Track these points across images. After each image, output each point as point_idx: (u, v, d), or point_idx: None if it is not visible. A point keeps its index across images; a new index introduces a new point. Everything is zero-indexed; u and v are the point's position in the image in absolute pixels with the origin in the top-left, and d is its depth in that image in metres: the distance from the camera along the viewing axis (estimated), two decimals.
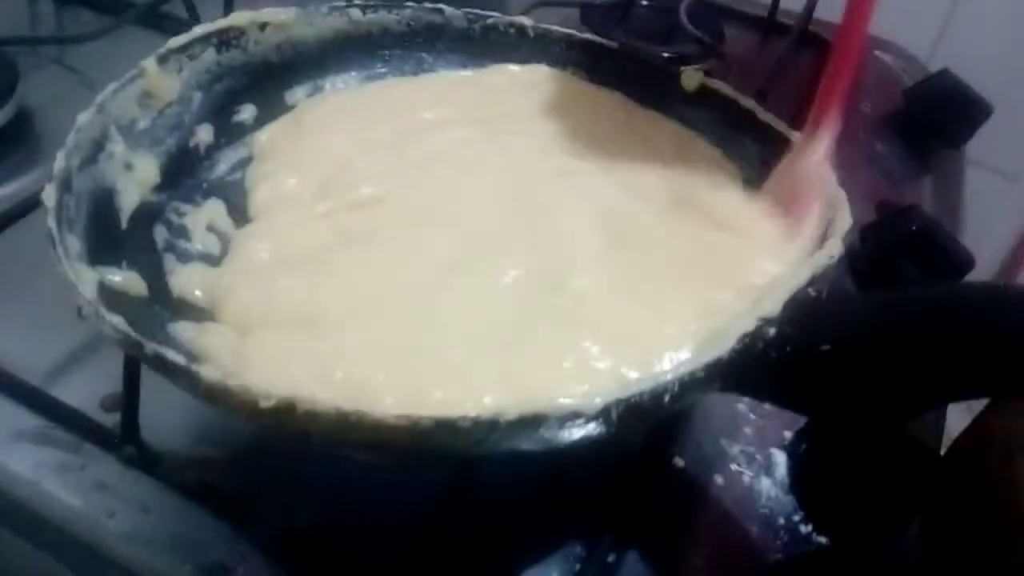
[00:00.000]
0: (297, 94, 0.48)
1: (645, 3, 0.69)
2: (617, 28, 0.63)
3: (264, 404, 0.27)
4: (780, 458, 0.42)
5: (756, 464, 0.42)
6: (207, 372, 0.28)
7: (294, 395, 0.27)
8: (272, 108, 0.47)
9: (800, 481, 0.42)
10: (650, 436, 0.41)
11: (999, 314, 0.32)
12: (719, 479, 0.41)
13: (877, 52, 0.75)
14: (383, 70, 0.51)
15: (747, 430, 0.43)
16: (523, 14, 0.52)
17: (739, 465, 0.42)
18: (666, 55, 0.59)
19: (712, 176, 0.44)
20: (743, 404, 0.44)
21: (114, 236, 0.37)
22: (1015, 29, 0.94)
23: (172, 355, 0.29)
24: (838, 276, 0.51)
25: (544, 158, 0.45)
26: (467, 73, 0.51)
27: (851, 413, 0.37)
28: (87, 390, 0.41)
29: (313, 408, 0.27)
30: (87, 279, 0.32)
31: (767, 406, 0.43)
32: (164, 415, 0.38)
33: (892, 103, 0.68)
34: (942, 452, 0.39)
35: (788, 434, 0.43)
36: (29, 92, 0.57)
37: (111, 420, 0.39)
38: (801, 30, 0.71)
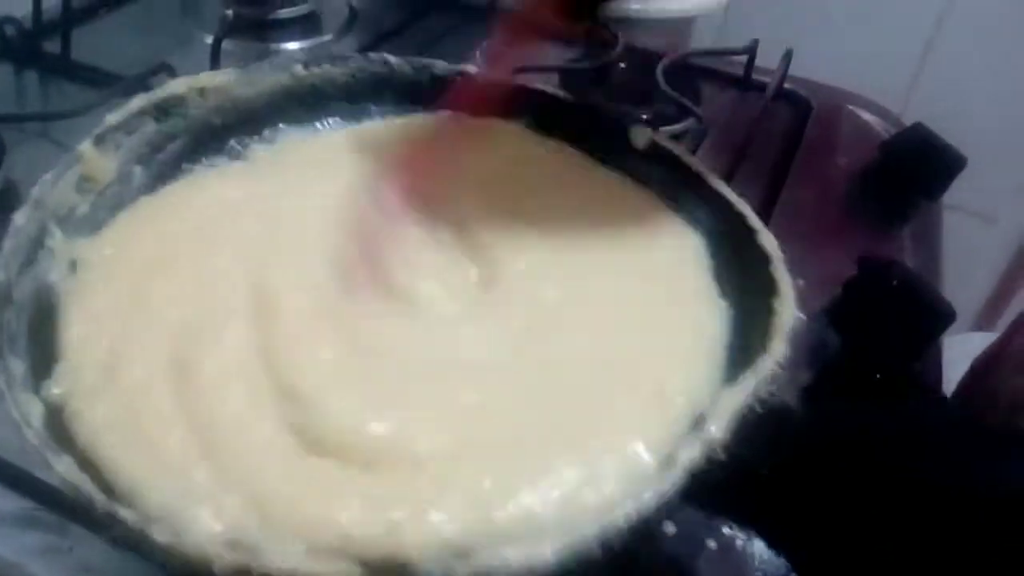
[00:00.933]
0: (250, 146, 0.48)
1: (623, 66, 0.70)
2: (595, 91, 0.65)
3: (218, 566, 0.27)
4: None
5: (748, 526, 0.42)
6: (159, 533, 0.28)
7: (249, 561, 0.27)
8: None
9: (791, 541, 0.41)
10: None
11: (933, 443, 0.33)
12: (711, 543, 0.41)
13: (851, 107, 0.77)
14: (329, 121, 0.50)
15: None
16: None
17: (731, 528, 0.42)
18: (644, 116, 0.60)
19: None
20: None
21: (56, 341, 0.36)
22: (981, 77, 0.96)
23: (124, 513, 0.28)
24: (821, 330, 0.52)
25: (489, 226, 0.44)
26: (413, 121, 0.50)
27: (799, 536, 0.37)
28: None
29: (267, 571, 0.27)
30: (34, 411, 0.31)
31: None
32: None
33: (868, 157, 0.69)
34: None
35: None
36: (15, 166, 0.57)
37: None
38: (777, 87, 0.73)
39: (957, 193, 0.68)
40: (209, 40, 0.72)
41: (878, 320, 0.51)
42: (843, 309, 0.53)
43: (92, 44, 0.72)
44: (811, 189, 0.67)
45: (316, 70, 0.49)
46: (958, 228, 0.77)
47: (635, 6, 0.83)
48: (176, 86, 0.45)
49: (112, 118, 0.42)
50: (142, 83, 0.64)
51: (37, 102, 0.68)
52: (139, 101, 0.43)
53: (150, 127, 0.44)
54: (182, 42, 0.77)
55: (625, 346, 0.39)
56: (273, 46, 0.77)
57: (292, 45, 0.77)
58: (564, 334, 0.39)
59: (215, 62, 0.65)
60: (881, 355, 0.49)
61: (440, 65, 0.51)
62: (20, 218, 0.37)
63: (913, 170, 0.66)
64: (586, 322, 0.40)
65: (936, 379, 0.53)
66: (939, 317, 0.50)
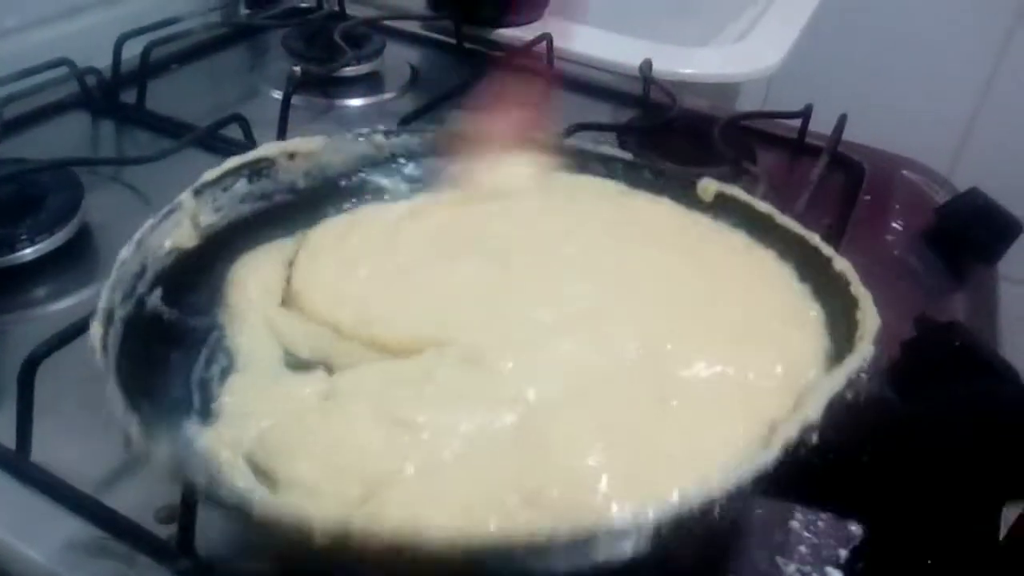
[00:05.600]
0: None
1: (678, 126, 0.72)
2: (653, 150, 0.66)
3: (320, 534, 0.28)
4: None
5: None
6: (261, 501, 0.29)
7: (347, 526, 0.28)
8: None
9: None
10: (703, 554, 0.41)
11: None
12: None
13: (905, 171, 0.77)
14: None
15: (802, 548, 0.42)
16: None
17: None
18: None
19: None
20: (797, 522, 0.43)
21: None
22: None
23: (226, 489, 0.30)
24: (879, 389, 0.51)
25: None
26: None
27: (898, 520, 0.37)
28: (141, 501, 0.41)
29: (365, 537, 0.28)
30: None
31: (821, 524, 0.43)
32: (217, 528, 0.39)
33: (923, 220, 0.70)
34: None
35: (843, 552, 0.42)
36: (90, 208, 0.60)
37: (165, 532, 0.40)
38: (831, 151, 0.73)
39: (1012, 264, 0.68)
40: (274, 94, 0.75)
41: (939, 381, 0.50)
42: (902, 369, 0.52)
43: (166, 96, 0.75)
44: (865, 252, 0.66)
45: (396, 140, 0.51)
46: (1014, 300, 0.76)
47: (687, 70, 0.85)
48: (268, 149, 0.47)
49: (209, 174, 0.45)
50: (212, 133, 0.67)
51: (112, 148, 0.71)
52: (233, 161, 0.46)
53: (242, 186, 0.46)
54: (249, 96, 0.79)
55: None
56: (337, 102, 0.79)
57: (355, 102, 0.79)
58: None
59: (284, 115, 0.67)
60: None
61: None
62: (124, 253, 0.39)
63: (969, 234, 0.66)
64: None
65: None
66: (1002, 378, 0.49)
